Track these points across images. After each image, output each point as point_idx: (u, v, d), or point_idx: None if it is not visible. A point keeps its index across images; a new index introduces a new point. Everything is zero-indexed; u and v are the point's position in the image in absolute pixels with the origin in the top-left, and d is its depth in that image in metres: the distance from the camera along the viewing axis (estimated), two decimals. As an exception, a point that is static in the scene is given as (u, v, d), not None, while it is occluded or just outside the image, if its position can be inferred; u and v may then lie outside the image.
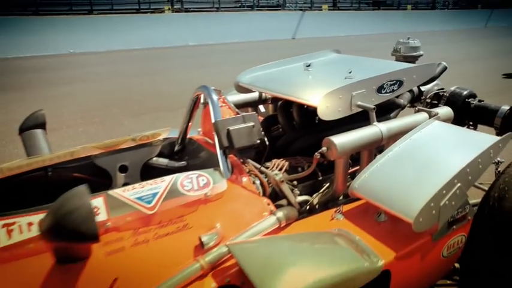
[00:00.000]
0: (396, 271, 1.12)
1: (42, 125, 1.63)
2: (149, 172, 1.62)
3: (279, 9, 17.46)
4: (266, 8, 17.32)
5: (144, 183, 1.14)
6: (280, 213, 1.20)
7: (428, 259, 1.22)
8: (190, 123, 1.61)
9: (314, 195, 1.43)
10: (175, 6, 14.74)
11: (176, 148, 1.66)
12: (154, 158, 1.66)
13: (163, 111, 5.05)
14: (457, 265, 1.67)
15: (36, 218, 1.02)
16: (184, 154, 1.67)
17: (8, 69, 8.39)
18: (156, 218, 1.09)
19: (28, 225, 1.00)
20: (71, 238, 0.81)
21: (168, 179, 1.15)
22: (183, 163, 1.65)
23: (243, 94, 1.86)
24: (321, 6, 17.97)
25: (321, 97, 1.36)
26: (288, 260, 1.02)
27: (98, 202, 1.06)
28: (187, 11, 14.80)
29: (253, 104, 1.93)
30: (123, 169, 1.59)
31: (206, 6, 15.99)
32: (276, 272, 0.96)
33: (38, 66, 8.89)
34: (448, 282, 1.87)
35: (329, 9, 18.17)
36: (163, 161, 1.66)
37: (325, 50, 2.03)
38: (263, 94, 1.92)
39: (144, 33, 12.53)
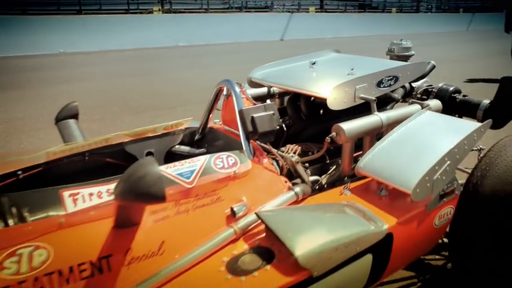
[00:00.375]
0: (397, 235, 1.33)
1: (75, 116, 1.79)
2: (172, 158, 1.79)
3: (267, 11, 17.68)
4: (254, 10, 17.53)
5: (183, 161, 1.31)
6: (297, 189, 1.39)
7: (423, 226, 1.43)
8: (211, 115, 1.80)
9: (323, 176, 1.63)
10: (165, 7, 14.82)
11: (197, 137, 1.85)
12: (176, 146, 1.83)
13: (161, 109, 5.21)
14: (445, 240, 1.90)
15: (96, 189, 1.20)
16: (204, 142, 1.85)
17: (3, 68, 8.41)
18: (194, 192, 1.27)
19: (89, 195, 1.18)
20: (143, 199, 0.98)
21: (202, 158, 1.33)
22: (202, 150, 1.83)
23: (252, 89, 2.06)
24: (308, 8, 18.28)
25: (331, 89, 1.56)
26: (309, 223, 1.22)
27: None
28: (175, 12, 14.90)
29: (261, 98, 2.12)
30: (149, 155, 1.77)
31: (195, 8, 16.10)
32: (300, 232, 1.16)
33: (32, 65, 8.92)
34: (437, 257, 2.10)
35: (316, 12, 18.48)
36: (184, 148, 1.84)
37: (326, 50, 2.25)
38: (271, 89, 2.11)
39: (135, 33, 12.61)
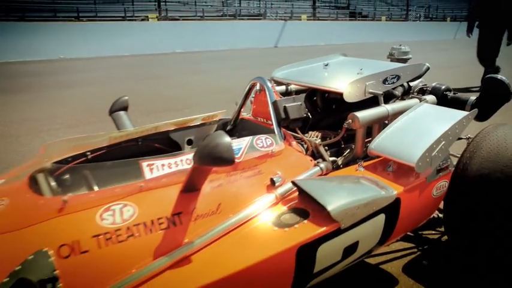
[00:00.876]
0: (404, 200, 1.64)
1: (125, 108, 2.09)
2: None
3: (260, 19, 18.09)
4: (247, 17, 17.93)
5: (232, 140, 1.62)
6: (322, 165, 1.71)
7: (424, 195, 1.76)
8: (243, 108, 2.10)
9: (339, 158, 1.94)
10: (162, 15, 15.13)
11: (229, 127, 2.15)
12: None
13: (169, 111, 5.50)
14: (440, 215, 2.22)
15: (166, 161, 1.49)
16: (235, 131, 2.15)
17: (11, 73, 8.61)
18: (241, 165, 1.56)
19: (162, 166, 1.47)
20: (217, 163, 1.26)
21: (247, 139, 1.63)
22: (233, 138, 2.13)
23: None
24: (300, 16, 18.75)
25: (347, 85, 1.88)
26: (335, 188, 1.53)
27: None
28: (170, 19, 15.21)
29: (281, 95, 2.43)
30: (189, 142, 2.06)
31: (190, 15, 16.44)
32: (330, 193, 1.46)
33: (36, 71, 9.12)
34: (433, 232, 2.42)
35: (308, 19, 18.96)
36: None
37: (335, 54, 2.58)
38: (288, 87, 2.43)
39: (132, 40, 12.87)
